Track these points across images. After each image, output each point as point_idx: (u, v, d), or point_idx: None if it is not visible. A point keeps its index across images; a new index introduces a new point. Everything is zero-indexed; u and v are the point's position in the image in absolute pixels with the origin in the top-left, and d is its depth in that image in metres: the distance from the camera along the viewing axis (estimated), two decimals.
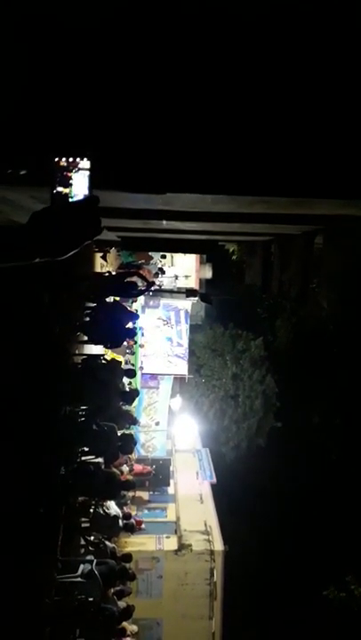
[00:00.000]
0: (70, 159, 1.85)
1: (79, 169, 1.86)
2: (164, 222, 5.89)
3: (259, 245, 10.43)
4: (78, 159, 1.86)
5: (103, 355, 9.16)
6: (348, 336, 14.28)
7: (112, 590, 7.46)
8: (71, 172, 1.86)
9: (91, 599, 6.79)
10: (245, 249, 15.53)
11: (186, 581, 10.97)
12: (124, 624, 7.75)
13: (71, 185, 1.86)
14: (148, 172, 3.81)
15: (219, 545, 11.18)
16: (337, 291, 12.21)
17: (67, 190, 1.85)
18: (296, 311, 16.55)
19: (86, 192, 1.85)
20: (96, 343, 8.57)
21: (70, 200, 1.86)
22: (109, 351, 10.06)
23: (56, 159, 1.88)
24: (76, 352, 8.43)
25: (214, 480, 13.55)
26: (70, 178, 1.86)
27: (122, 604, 7.62)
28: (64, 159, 1.85)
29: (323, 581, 12.12)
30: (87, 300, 8.16)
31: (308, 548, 14.08)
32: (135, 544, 10.39)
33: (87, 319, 8.06)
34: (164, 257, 14.00)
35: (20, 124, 3.22)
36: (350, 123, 4.45)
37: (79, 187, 1.86)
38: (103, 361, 8.69)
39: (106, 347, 9.12)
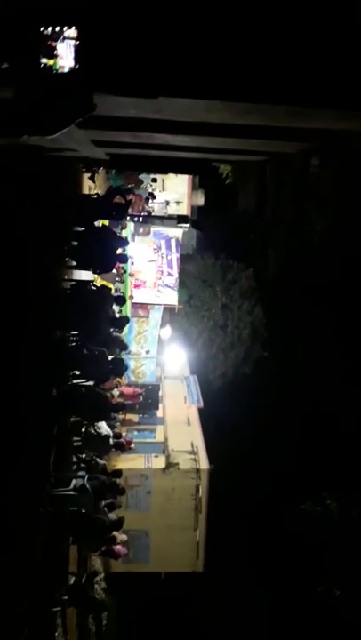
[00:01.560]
0: (55, 28, 1.65)
1: (65, 38, 1.68)
2: (156, 136, 5.59)
3: (253, 167, 10.07)
4: (65, 27, 1.66)
5: (92, 281, 9.05)
6: (340, 264, 14.23)
7: (103, 503, 7.83)
8: (56, 41, 1.67)
9: (83, 511, 7.16)
10: (239, 171, 14.97)
11: (173, 497, 11.60)
12: (115, 533, 8.21)
13: (56, 56, 1.68)
14: (138, 73, 3.54)
15: (204, 464, 11.73)
16: (331, 213, 11.95)
17: (51, 62, 1.67)
18: (289, 238, 16.28)
19: (72, 63, 1.68)
20: (85, 268, 8.45)
21: (59, 72, 1.68)
22: (99, 278, 9.95)
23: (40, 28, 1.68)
24: (65, 277, 8.32)
25: (201, 404, 13.98)
26: (55, 48, 1.68)
27: (112, 516, 8.02)
28: (49, 28, 1.65)
29: (301, 497, 12.89)
30: (75, 224, 7.93)
31: (289, 469, 14.83)
32: (125, 462, 10.84)
33: (75, 243, 7.87)
34: (154, 181, 13.51)
35: None
36: (352, 30, 4.15)
37: (65, 58, 1.68)
38: (93, 287, 8.61)
39: (95, 272, 9.00)
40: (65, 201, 7.74)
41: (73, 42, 1.66)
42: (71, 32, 1.67)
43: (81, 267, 8.32)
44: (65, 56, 1.66)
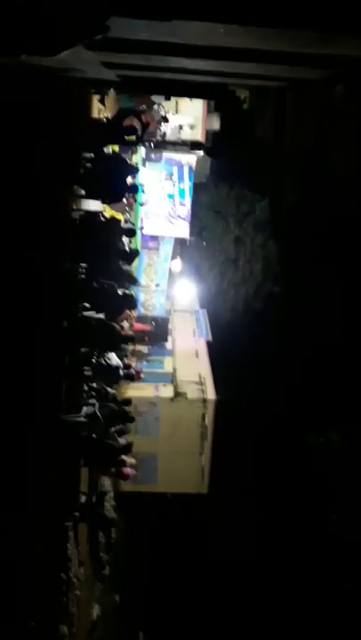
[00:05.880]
0: None
1: None
2: (169, 59, 5.21)
3: (272, 93, 9.40)
4: None
5: (102, 211, 8.85)
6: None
7: (113, 429, 8.16)
8: None
9: (94, 436, 7.49)
10: (257, 97, 14.01)
11: (180, 424, 12.02)
12: (124, 456, 8.63)
13: None
14: None
15: (211, 394, 12.05)
16: (355, 146, 11.18)
17: None
18: (307, 169, 15.53)
19: None
20: (94, 197, 8.21)
21: None
22: (108, 208, 9.71)
23: None
24: (74, 207, 8.12)
25: (210, 338, 14.13)
26: None
27: (122, 440, 8.39)
28: None
29: (306, 431, 13.29)
30: (84, 150, 7.61)
31: (295, 404, 15.19)
32: (135, 391, 11.16)
33: (84, 170, 7.60)
34: (168, 99, 12.58)
35: None
36: None
37: None
38: (102, 219, 8.43)
39: (104, 202, 8.77)
40: (73, 124, 7.39)
41: None
42: None
43: (90, 195, 8.08)
44: None
